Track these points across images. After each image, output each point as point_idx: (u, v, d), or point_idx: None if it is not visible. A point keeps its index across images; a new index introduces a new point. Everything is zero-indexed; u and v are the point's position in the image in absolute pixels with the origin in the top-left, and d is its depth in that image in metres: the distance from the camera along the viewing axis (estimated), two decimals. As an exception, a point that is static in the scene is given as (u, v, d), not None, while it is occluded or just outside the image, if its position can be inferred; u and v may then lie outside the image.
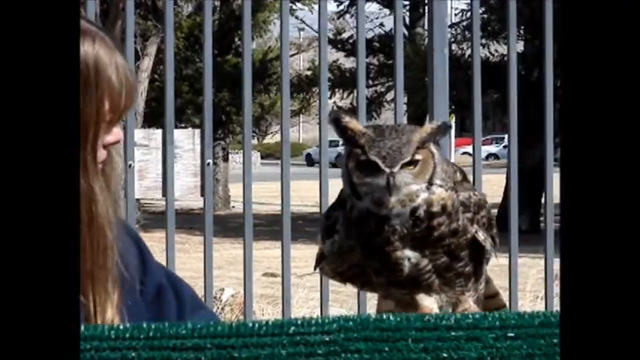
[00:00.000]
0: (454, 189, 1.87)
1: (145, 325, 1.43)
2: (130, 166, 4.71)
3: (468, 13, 23.72)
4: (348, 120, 1.85)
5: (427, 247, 1.88)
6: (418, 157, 1.82)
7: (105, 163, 1.72)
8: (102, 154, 1.69)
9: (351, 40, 23.43)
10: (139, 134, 5.23)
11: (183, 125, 19.25)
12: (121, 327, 1.43)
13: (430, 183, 1.84)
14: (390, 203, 1.82)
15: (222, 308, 8.13)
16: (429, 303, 1.92)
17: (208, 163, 4.87)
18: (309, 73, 26.91)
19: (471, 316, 1.56)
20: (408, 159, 1.81)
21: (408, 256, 1.87)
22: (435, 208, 1.83)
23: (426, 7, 7.84)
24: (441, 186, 1.85)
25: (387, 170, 1.80)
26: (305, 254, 8.77)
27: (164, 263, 3.34)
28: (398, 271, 1.89)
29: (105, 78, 1.67)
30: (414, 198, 1.82)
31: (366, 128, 1.85)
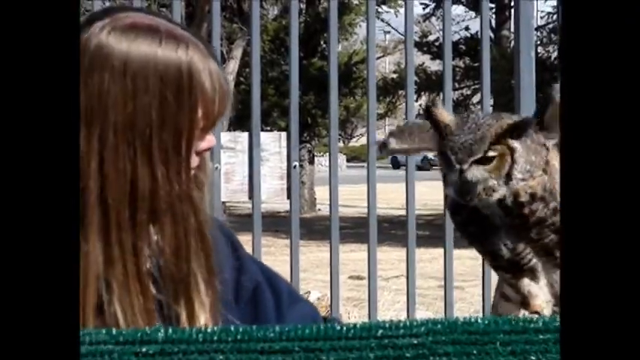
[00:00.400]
0: (545, 171, 1.87)
1: (232, 328, 1.44)
2: (216, 168, 4.82)
3: (554, 16, 23.55)
4: (436, 109, 1.89)
5: (528, 232, 1.90)
6: (492, 153, 1.84)
7: (198, 169, 1.73)
8: (194, 160, 1.70)
9: (437, 43, 23.50)
10: (225, 137, 5.29)
11: (269, 128, 19.46)
12: (209, 330, 1.44)
13: (509, 177, 1.85)
14: (465, 196, 1.86)
15: (309, 311, 8.27)
16: (540, 301, 1.94)
17: (294, 166, 4.90)
18: (394, 76, 26.79)
19: (559, 319, 1.57)
20: (479, 156, 1.83)
21: (504, 241, 1.91)
22: (523, 198, 1.85)
23: (512, 10, 7.92)
24: (523, 179, 1.85)
25: (457, 166, 1.83)
26: (391, 257, 8.81)
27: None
28: (498, 257, 1.93)
29: (199, 85, 1.67)
30: (491, 192, 1.84)
31: (451, 120, 1.88)
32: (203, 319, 1.70)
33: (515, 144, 1.86)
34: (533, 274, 1.95)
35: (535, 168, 1.88)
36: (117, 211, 1.62)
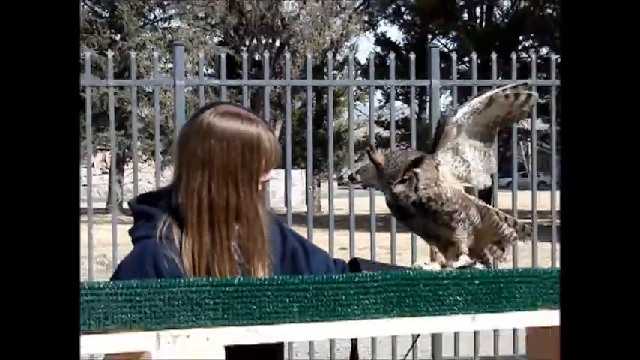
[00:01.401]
0: (436, 183, 2.86)
1: (275, 278, 2.47)
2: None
3: (452, 104, 24.74)
4: (373, 153, 2.87)
5: (430, 218, 2.86)
6: (405, 177, 2.83)
7: (262, 191, 2.87)
8: (260, 187, 2.85)
9: (386, 121, 25.47)
10: (272, 173, 7.77)
11: (295, 167, 21.54)
12: (263, 278, 2.45)
13: (416, 189, 2.85)
14: (395, 202, 2.87)
15: None
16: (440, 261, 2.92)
17: (309, 188, 9.10)
18: (363, 139, 32.70)
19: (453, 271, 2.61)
20: (398, 180, 2.84)
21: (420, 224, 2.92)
22: (424, 199, 2.85)
23: (428, 102, 9.13)
24: (424, 189, 2.85)
25: (389, 186, 2.86)
26: (357, 239, 9.51)
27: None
28: (418, 234, 2.98)
29: (263, 146, 2.85)
30: (407, 198, 2.84)
31: (381, 159, 2.86)
32: (261, 273, 2.85)
33: (417, 170, 2.85)
34: (439, 243, 2.90)
35: (430, 182, 2.84)
36: (217, 215, 2.78)
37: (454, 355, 8.89)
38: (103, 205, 32.15)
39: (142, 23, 40.13)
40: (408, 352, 3.45)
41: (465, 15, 40.33)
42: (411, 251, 8.27)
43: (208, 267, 2.76)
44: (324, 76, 13.60)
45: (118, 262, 2.88)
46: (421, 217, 2.86)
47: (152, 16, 41.24)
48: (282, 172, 8.65)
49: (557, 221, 9.13)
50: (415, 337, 3.23)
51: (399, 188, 2.83)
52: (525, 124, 23.44)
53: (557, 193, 9.18)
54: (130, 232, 2.85)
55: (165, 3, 40.63)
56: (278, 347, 2.97)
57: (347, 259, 3.11)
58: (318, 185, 37.41)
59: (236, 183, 2.77)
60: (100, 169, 40.86)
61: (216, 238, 2.76)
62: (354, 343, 3.13)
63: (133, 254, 2.78)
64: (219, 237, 2.77)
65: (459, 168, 2.88)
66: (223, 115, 2.82)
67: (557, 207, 9.18)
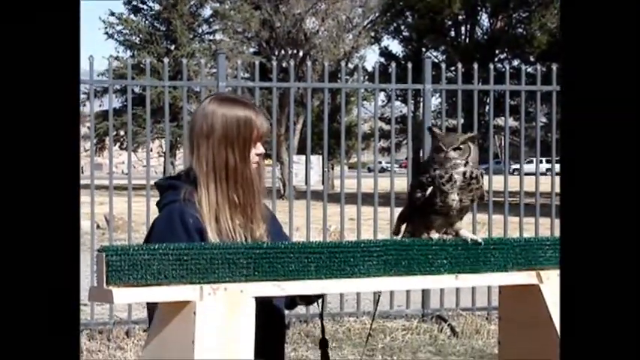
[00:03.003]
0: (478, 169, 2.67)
1: (280, 243, 2.51)
2: (290, 172, 6.99)
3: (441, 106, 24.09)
4: (434, 129, 2.72)
5: (466, 192, 2.65)
6: (462, 146, 2.65)
7: (258, 165, 2.89)
8: (254, 157, 2.87)
9: (388, 117, 25.25)
10: (296, 158, 7.91)
11: (314, 153, 21.49)
12: (268, 242, 2.49)
13: (466, 162, 2.64)
14: (446, 164, 2.63)
15: None
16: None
17: (325, 170, 8.51)
18: (369, 131, 31.48)
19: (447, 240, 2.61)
20: (454, 146, 2.65)
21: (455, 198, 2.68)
22: (467, 174, 2.64)
23: (422, 101, 9.11)
24: (472, 164, 2.64)
25: (445, 149, 2.64)
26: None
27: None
28: (446, 207, 2.65)
29: (254, 121, 2.86)
30: (457, 167, 2.63)
31: (439, 133, 2.70)
32: (260, 231, 2.86)
33: (472, 145, 2.69)
34: (448, 218, 2.67)
35: (475, 162, 2.66)
36: (219, 173, 2.80)
37: (440, 306, 8.90)
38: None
39: (191, 36, 40.27)
40: (377, 303, 3.41)
41: (453, 32, 40.34)
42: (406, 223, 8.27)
43: (218, 215, 2.79)
44: (338, 80, 13.62)
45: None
46: (461, 190, 2.66)
47: (200, 31, 41.35)
48: (303, 157, 8.65)
49: (525, 200, 9.12)
50: (378, 295, 3.24)
51: (452, 154, 2.66)
52: (500, 122, 23.48)
53: (525, 178, 9.17)
54: (158, 203, 2.91)
55: (211, 20, 40.69)
56: (281, 320, 3.03)
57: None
58: (332, 168, 37.94)
59: (233, 148, 2.83)
60: (157, 153, 41.01)
61: (219, 191, 2.81)
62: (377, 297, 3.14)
63: (163, 216, 2.83)
64: (222, 189, 2.81)
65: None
66: (223, 100, 2.91)
67: (526, 188, 9.17)
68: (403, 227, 2.78)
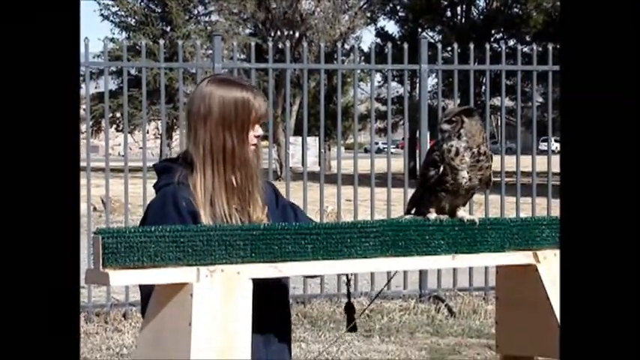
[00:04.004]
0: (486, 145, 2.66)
1: (277, 224, 2.51)
2: (287, 152, 7.20)
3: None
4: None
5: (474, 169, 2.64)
6: (454, 119, 2.64)
7: (256, 146, 2.84)
8: (252, 138, 2.82)
9: (384, 98, 25.40)
10: (292, 139, 7.68)
11: (310, 135, 21.43)
12: (268, 224, 2.49)
13: (459, 135, 2.65)
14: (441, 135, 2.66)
15: None
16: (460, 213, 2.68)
17: (322, 151, 8.36)
18: (365, 112, 31.41)
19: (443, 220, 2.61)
20: (446, 119, 2.67)
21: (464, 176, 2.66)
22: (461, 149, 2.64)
23: (419, 82, 9.02)
24: (467, 139, 2.63)
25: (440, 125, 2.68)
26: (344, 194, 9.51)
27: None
28: (457, 185, 2.63)
29: (252, 105, 2.80)
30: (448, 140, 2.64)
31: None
32: (258, 214, 2.80)
33: (465, 118, 2.66)
34: (454, 197, 2.67)
35: (474, 136, 2.63)
36: (217, 156, 2.76)
37: (437, 287, 8.91)
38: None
39: (187, 17, 40.12)
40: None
41: (449, 12, 40.24)
42: (403, 204, 8.26)
43: (213, 199, 2.76)
44: (335, 61, 13.63)
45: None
46: (471, 168, 2.65)
47: (196, 12, 41.22)
48: (300, 138, 8.53)
49: (522, 179, 9.12)
50: (347, 277, 3.20)
51: (445, 126, 2.67)
52: (496, 102, 23.45)
53: (522, 157, 9.16)
54: (154, 185, 2.89)
55: (207, 1, 40.55)
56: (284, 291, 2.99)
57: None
58: (329, 149, 38.19)
59: (231, 131, 2.79)
60: (153, 135, 40.94)
61: (216, 175, 2.77)
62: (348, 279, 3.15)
63: (157, 198, 2.81)
64: (218, 173, 2.77)
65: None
66: (220, 82, 2.86)
67: (522, 168, 9.16)
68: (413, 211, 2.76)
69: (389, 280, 3.53)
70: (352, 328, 3.00)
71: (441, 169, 2.64)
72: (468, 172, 2.64)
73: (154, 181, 2.89)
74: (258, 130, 2.84)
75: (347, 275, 3.12)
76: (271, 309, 2.74)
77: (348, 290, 3.13)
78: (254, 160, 2.82)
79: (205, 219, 2.70)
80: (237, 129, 2.78)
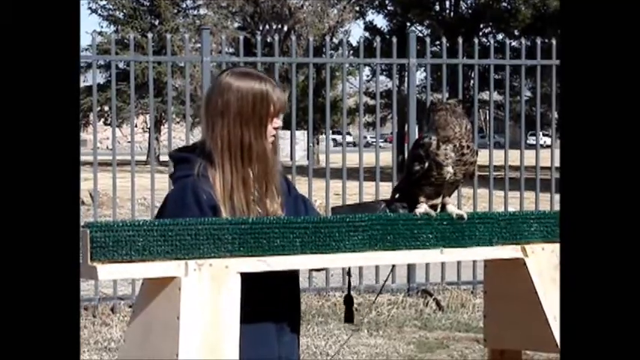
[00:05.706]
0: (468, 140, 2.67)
1: (264, 218, 2.50)
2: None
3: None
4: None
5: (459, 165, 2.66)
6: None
7: (274, 138, 2.83)
8: (271, 131, 2.81)
9: (373, 92, 25.42)
10: (281, 133, 7.98)
11: (299, 128, 21.76)
12: (282, 217, 2.49)
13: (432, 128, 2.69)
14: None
15: None
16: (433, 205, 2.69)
17: (311, 145, 8.95)
18: (354, 106, 30.95)
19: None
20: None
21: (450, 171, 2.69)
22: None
23: (407, 76, 9.01)
24: (439, 132, 2.67)
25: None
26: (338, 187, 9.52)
27: None
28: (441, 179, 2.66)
29: (270, 97, 2.78)
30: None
31: None
32: (274, 206, 2.78)
33: (442, 113, 2.66)
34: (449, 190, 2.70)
35: (448, 129, 2.66)
36: (234, 152, 2.74)
37: (425, 281, 8.93)
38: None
39: (175, 11, 40.08)
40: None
41: (437, 7, 40.27)
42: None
43: (232, 194, 2.74)
44: (323, 55, 13.66)
45: (156, 204, 2.88)
46: (456, 163, 2.67)
47: (184, 5, 41.17)
48: (288, 132, 8.44)
49: (510, 174, 9.14)
50: (349, 270, 3.25)
51: (425, 121, 2.70)
52: (485, 96, 23.50)
53: (510, 151, 9.19)
54: (171, 175, 2.86)
55: (195, -6, 40.52)
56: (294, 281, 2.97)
57: (340, 203, 3.07)
58: (317, 143, 38.02)
59: (248, 126, 2.77)
60: (142, 128, 40.87)
61: (234, 171, 2.75)
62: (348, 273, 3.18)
63: (176, 190, 2.78)
64: (237, 169, 2.75)
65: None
66: (238, 75, 2.84)
67: (510, 162, 9.19)
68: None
69: (389, 274, 3.54)
70: (350, 320, 3.01)
71: (426, 164, 2.66)
72: (452, 168, 2.67)
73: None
74: (276, 123, 2.83)
75: (349, 268, 3.12)
76: (284, 300, 2.75)
77: (349, 282, 3.13)
78: (272, 153, 2.81)
79: (225, 213, 2.68)
80: (255, 124, 2.77)
